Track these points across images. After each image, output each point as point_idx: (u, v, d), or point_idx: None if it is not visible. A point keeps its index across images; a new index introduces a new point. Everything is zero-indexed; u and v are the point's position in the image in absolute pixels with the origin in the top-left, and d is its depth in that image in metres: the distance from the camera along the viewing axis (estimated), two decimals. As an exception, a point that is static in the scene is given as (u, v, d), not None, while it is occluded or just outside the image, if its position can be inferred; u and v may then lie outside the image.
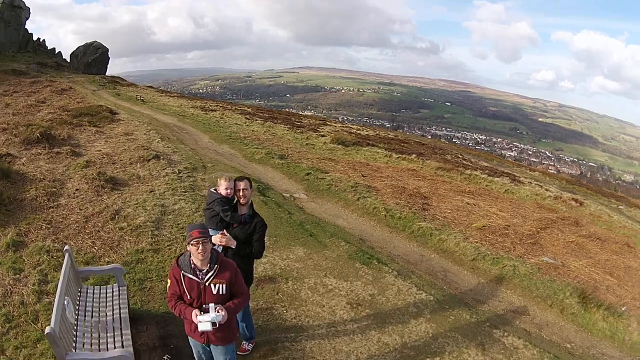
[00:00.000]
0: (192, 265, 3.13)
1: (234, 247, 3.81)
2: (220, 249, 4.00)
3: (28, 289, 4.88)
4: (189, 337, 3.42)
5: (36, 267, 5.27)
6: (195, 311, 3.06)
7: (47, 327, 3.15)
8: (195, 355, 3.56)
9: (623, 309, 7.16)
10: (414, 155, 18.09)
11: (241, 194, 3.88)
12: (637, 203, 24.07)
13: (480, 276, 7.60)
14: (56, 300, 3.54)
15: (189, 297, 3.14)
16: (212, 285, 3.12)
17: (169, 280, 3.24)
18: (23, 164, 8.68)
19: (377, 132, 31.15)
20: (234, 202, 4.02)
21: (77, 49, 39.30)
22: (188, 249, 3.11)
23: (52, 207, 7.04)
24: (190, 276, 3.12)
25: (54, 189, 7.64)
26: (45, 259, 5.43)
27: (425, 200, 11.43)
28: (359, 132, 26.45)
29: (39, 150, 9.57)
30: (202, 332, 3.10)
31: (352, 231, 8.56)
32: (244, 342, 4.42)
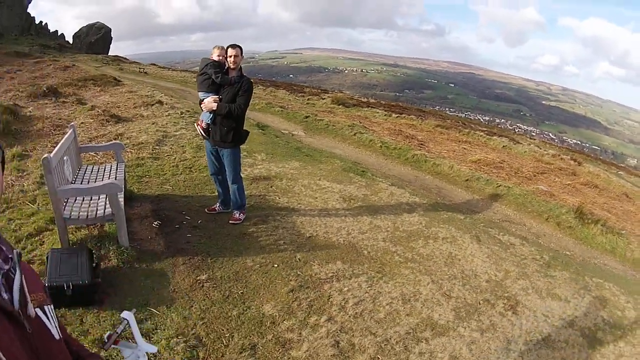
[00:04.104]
0: None
1: (216, 108, 3.97)
2: (209, 117, 4.06)
3: (29, 181, 4.90)
4: None
5: (39, 167, 5.25)
6: None
7: (44, 156, 3.18)
8: None
9: (623, 232, 7.11)
10: (412, 116, 17.98)
11: (232, 59, 3.96)
12: (638, 173, 23.99)
13: (474, 193, 7.55)
14: (54, 150, 3.57)
15: None
16: None
17: None
18: (30, 111, 8.66)
19: (378, 100, 30.93)
20: (225, 67, 4.09)
21: (79, 29, 39.06)
22: None
23: (58, 134, 7.05)
24: None
25: (60, 123, 7.67)
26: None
27: (421, 143, 11.37)
28: (359, 98, 26.27)
29: (46, 101, 9.54)
30: None
31: (347, 157, 8.51)
32: (235, 211, 4.40)
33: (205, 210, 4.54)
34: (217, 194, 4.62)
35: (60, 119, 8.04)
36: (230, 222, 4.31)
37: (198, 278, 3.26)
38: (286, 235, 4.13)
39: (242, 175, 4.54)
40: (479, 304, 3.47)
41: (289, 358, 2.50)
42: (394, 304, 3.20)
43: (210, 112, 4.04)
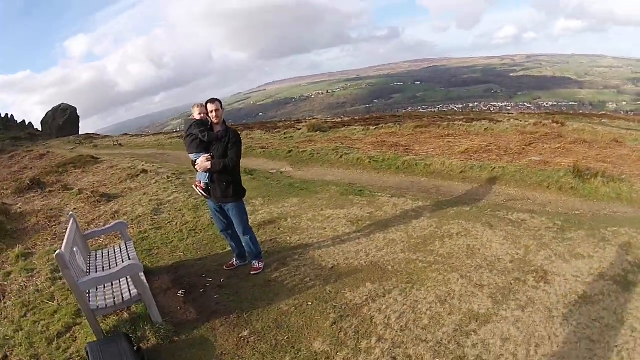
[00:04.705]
0: None
1: (210, 167, 4.14)
2: (206, 176, 4.24)
3: (42, 279, 4.98)
4: None
5: (47, 263, 5.38)
6: None
7: (56, 252, 3.30)
8: None
9: (623, 177, 7.40)
10: (390, 124, 18.45)
11: (214, 114, 4.12)
12: (620, 117, 24.79)
13: (472, 183, 7.84)
14: (63, 244, 3.71)
15: None
16: None
17: None
18: (19, 207, 8.79)
19: (352, 117, 31.61)
20: (209, 124, 4.26)
21: (45, 115, 39.85)
22: None
23: (54, 225, 7.20)
24: None
25: (53, 214, 7.81)
26: (54, 257, 5.54)
27: (406, 148, 11.71)
28: (334, 120, 26.84)
29: (32, 194, 9.70)
30: None
31: (340, 181, 8.76)
32: (254, 261, 4.56)
33: (224, 267, 4.69)
34: (230, 249, 4.78)
35: (52, 209, 8.17)
36: (251, 273, 4.47)
37: (241, 335, 3.39)
38: (309, 272, 4.30)
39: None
40: (511, 284, 3.68)
41: None
42: (433, 308, 3.38)
43: (206, 172, 4.20)
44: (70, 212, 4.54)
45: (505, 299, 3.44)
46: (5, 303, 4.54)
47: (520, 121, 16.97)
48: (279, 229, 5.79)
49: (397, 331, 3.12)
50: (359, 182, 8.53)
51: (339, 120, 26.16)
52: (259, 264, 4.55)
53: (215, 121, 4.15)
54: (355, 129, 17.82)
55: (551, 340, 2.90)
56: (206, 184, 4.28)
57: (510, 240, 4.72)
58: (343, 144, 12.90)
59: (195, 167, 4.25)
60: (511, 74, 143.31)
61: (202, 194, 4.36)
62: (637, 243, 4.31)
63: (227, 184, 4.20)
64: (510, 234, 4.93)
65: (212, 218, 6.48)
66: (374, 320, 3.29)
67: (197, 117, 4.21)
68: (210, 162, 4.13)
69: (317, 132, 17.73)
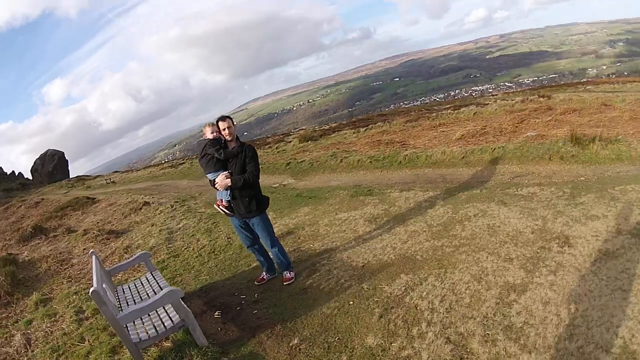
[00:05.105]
0: None
1: (230, 183, 4.23)
2: (227, 194, 4.36)
3: (67, 322, 5.03)
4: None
5: (68, 306, 5.43)
6: None
7: (90, 289, 3.39)
8: None
9: (619, 137, 7.72)
10: (379, 123, 18.76)
11: (226, 132, 4.24)
12: (603, 81, 25.44)
13: (476, 166, 8.12)
14: (94, 282, 3.80)
15: None
16: None
17: None
18: (26, 255, 8.85)
19: (340, 122, 31.95)
20: (223, 141, 4.37)
21: (34, 163, 40.22)
22: None
23: (67, 268, 7.26)
24: None
25: (63, 257, 7.89)
26: (75, 298, 5.58)
27: (402, 143, 11.99)
28: (322, 128, 27.15)
29: (37, 242, 9.76)
30: None
31: (346, 184, 8.98)
32: (285, 272, 4.71)
33: (255, 283, 4.82)
34: (259, 263, 4.92)
35: (60, 253, 8.22)
36: (284, 284, 4.61)
37: (291, 344, 3.54)
38: (342, 274, 4.48)
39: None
40: (538, 253, 3.91)
41: None
42: (471, 286, 3.59)
43: (226, 189, 4.29)
44: (92, 250, 4.66)
45: (536, 267, 3.67)
46: (33, 351, 4.55)
47: (507, 100, 17.37)
48: (299, 238, 5.98)
49: (443, 313, 3.32)
50: (365, 183, 8.75)
51: (328, 127, 26.46)
52: (290, 273, 4.70)
53: (229, 138, 4.26)
54: (346, 133, 18.08)
55: (587, 296, 3.13)
56: (228, 201, 4.39)
57: (526, 214, 4.97)
58: (339, 149, 13.14)
59: (215, 186, 4.32)
60: (487, 56, 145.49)
61: (225, 212, 4.45)
62: (645, 195, 4.59)
63: (249, 199, 4.32)
64: (524, 207, 5.18)
65: (228, 238, 6.68)
66: (418, 307, 3.48)
67: (210, 136, 4.31)
68: (230, 179, 4.22)
69: (309, 142, 17.97)
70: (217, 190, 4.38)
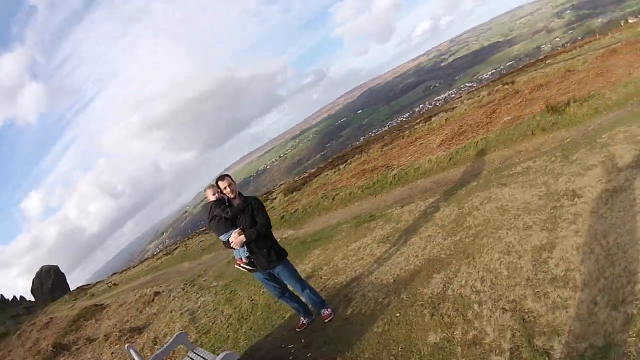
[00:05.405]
0: None
1: (245, 238, 4.39)
2: (245, 251, 4.51)
3: None
4: None
5: None
6: None
7: None
8: None
9: (591, 93, 8.35)
10: (356, 155, 19.42)
11: (228, 190, 4.39)
12: (561, 51, 27.05)
13: (464, 163, 8.62)
14: None
15: None
16: None
17: None
18: None
19: (317, 167, 32.68)
20: (227, 200, 4.54)
21: (33, 283, 40.22)
22: None
23: None
24: None
25: None
26: None
27: (386, 166, 12.48)
28: (302, 177, 27.70)
29: (62, 359, 9.62)
30: None
31: (346, 218, 9.25)
32: (322, 310, 4.80)
33: (296, 330, 4.87)
34: (294, 311, 5.03)
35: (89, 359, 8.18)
36: (325, 321, 4.69)
37: None
38: (377, 294, 4.66)
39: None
40: (552, 212, 4.27)
41: (487, 345, 3.00)
42: (504, 260, 3.86)
43: (242, 246, 4.40)
44: (127, 344, 4.72)
45: (556, 225, 3.99)
46: None
47: (474, 98, 18.34)
48: (321, 278, 6.13)
49: (488, 291, 3.55)
50: (363, 212, 9.05)
51: (307, 174, 27.02)
52: (327, 310, 4.79)
53: (232, 195, 4.44)
54: (327, 174, 18.59)
55: (612, 229, 3.47)
56: (247, 257, 4.51)
57: (528, 186, 5.35)
58: (327, 189, 13.50)
59: (231, 245, 4.43)
60: (442, 64, 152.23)
61: (247, 269, 4.55)
62: (633, 132, 5.04)
63: (267, 250, 4.47)
64: (524, 181, 5.59)
65: (251, 300, 6.74)
66: (463, 295, 3.69)
67: (212, 198, 4.48)
68: (243, 235, 4.36)
69: (294, 193, 18.34)
70: (234, 249, 4.49)
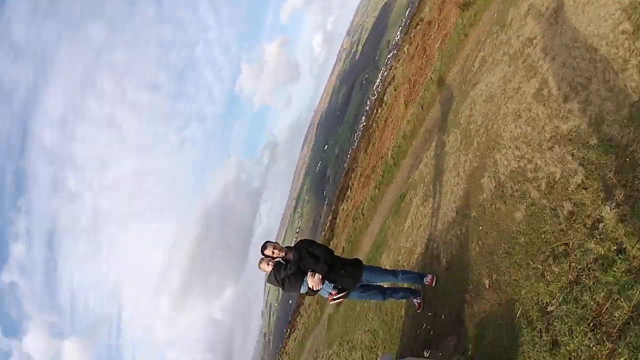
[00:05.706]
0: None
1: (321, 274, 4.46)
2: (328, 286, 4.60)
3: None
4: None
5: None
6: None
7: None
8: None
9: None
10: (351, 175, 19.85)
11: (276, 252, 4.52)
12: None
13: (435, 100, 9.04)
14: None
15: None
16: None
17: None
18: None
19: (331, 211, 32.87)
20: (281, 262, 4.60)
21: None
22: None
23: None
24: None
25: None
26: None
27: (379, 158, 12.88)
28: (328, 226, 27.87)
29: None
30: None
31: (384, 217, 9.46)
32: (425, 279, 4.79)
33: (417, 312, 4.85)
34: (404, 301, 5.13)
35: None
36: (433, 285, 4.69)
37: (493, 279, 3.64)
38: (453, 233, 4.79)
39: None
40: (525, 63, 4.62)
41: (561, 180, 3.15)
42: (520, 123, 4.14)
43: (323, 282, 4.42)
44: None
45: (535, 68, 4.33)
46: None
47: (402, 56, 18.83)
48: (403, 265, 6.17)
49: (528, 149, 3.78)
50: (392, 200, 9.29)
51: (329, 220, 27.12)
52: (428, 277, 4.80)
53: (282, 254, 4.56)
54: (343, 207, 18.85)
55: (574, 36, 3.76)
56: (334, 287, 4.55)
57: (493, 67, 5.80)
58: (353, 214, 13.76)
59: (314, 289, 4.49)
60: (357, 57, 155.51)
61: (342, 296, 4.61)
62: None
63: (344, 271, 4.52)
64: (488, 68, 6.01)
65: (368, 332, 6.71)
66: (514, 170, 3.91)
67: (269, 268, 4.58)
68: (317, 273, 4.42)
69: (333, 240, 18.49)
70: (319, 290, 4.56)
